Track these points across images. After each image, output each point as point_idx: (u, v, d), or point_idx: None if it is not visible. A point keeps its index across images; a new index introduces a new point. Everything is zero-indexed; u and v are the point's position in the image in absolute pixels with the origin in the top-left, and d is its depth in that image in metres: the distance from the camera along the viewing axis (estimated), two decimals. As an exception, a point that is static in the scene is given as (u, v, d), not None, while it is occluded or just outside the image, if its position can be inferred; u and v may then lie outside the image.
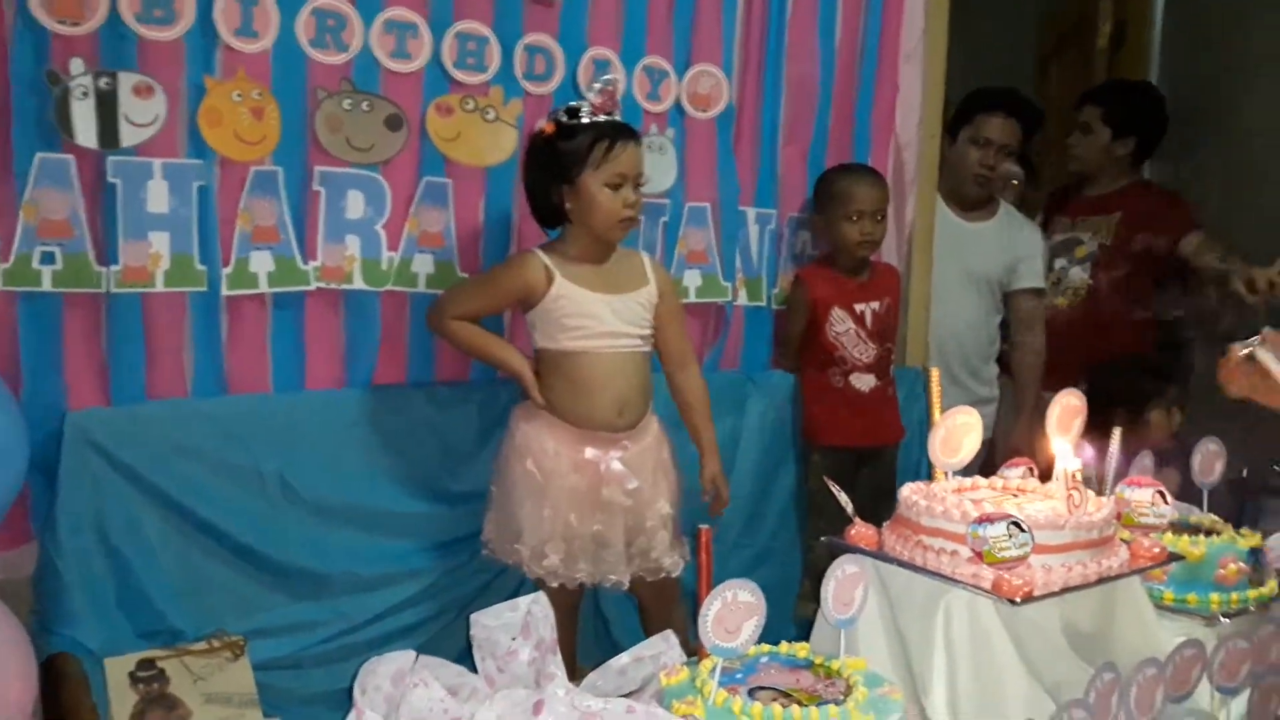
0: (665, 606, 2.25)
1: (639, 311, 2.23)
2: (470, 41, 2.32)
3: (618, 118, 2.19)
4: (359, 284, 2.27)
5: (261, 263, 2.18)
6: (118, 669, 1.95)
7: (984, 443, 3.13)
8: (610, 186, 2.13)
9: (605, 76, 2.27)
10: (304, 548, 2.20)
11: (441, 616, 2.32)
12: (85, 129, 1.97)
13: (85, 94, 1.96)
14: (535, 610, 1.45)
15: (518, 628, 1.43)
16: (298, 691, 2.13)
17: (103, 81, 1.97)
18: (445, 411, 2.38)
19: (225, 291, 2.14)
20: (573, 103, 2.20)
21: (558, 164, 2.14)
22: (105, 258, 2.03)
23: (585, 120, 2.14)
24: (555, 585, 2.15)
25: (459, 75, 2.32)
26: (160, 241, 2.07)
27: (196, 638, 2.05)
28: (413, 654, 1.37)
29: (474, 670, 1.44)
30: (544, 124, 2.19)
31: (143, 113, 2.01)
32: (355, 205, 2.25)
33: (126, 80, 1.99)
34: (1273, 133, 3.24)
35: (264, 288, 2.18)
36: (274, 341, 2.24)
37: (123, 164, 2.02)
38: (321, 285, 2.24)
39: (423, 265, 2.34)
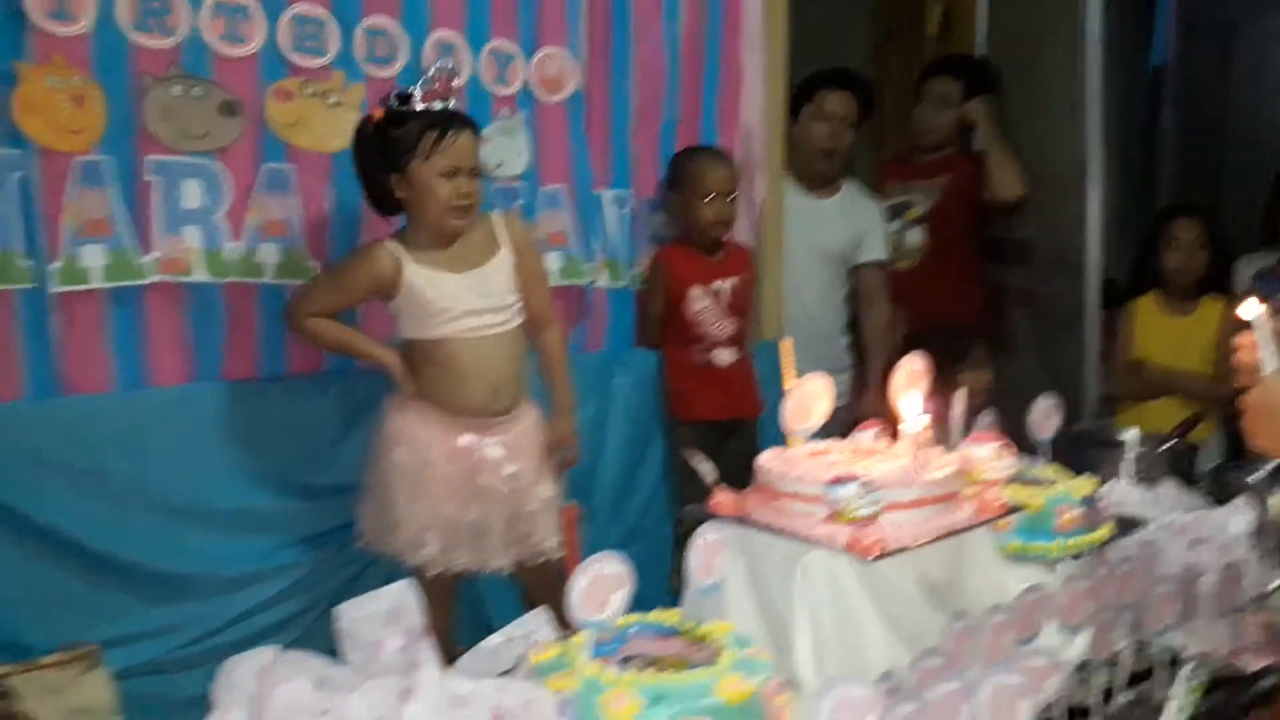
0: (549, 589, 2.24)
1: (499, 281, 2.19)
2: (308, 24, 2.27)
3: (453, 105, 2.13)
4: (201, 276, 2.20)
5: (94, 257, 2.08)
6: (-43, 691, 1.84)
7: (843, 408, 3.28)
8: (443, 176, 2.08)
9: (440, 63, 2.20)
10: (159, 550, 2.14)
11: (309, 612, 2.28)
12: (-113, 119, 1.84)
13: (-116, 81, 1.83)
14: (403, 598, 1.42)
15: (384, 617, 1.41)
16: (163, 697, 2.06)
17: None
18: (301, 404, 2.33)
19: (54, 288, 2.05)
20: (407, 88, 2.12)
21: (388, 151, 2.09)
22: (-82, 256, 1.90)
23: (417, 108, 2.08)
24: (433, 574, 2.13)
25: (297, 59, 2.26)
26: (-20, 237, 1.95)
27: (47, 650, 1.95)
28: (275, 650, 1.34)
29: (342, 664, 1.41)
30: (374, 110, 2.14)
31: (-50, 101, 1.89)
32: (192, 195, 2.17)
33: (-73, 65, 1.87)
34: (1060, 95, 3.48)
35: (98, 283, 2.09)
36: (113, 338, 2.15)
37: (-68, 155, 1.90)
38: (161, 278, 2.15)
39: (268, 254, 2.27)
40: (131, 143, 2.10)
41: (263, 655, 1.33)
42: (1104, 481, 2.14)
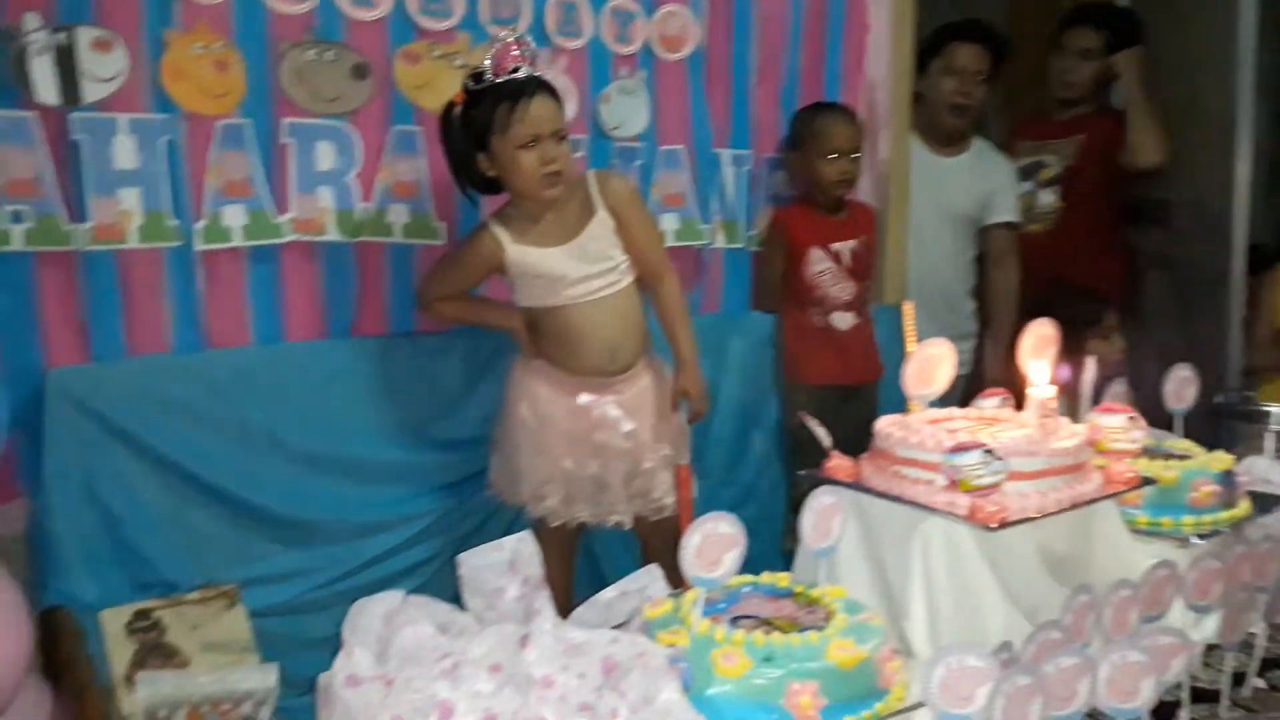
0: (667, 545, 2.26)
1: (601, 246, 2.18)
2: (435, -14, 2.30)
3: (522, 74, 2.08)
4: (333, 235, 2.27)
5: (234, 217, 2.17)
6: (114, 620, 1.97)
7: (965, 377, 3.21)
8: (524, 147, 2.07)
9: (502, 33, 2.13)
10: (293, 497, 2.22)
11: (435, 559, 2.34)
12: (45, 85, 1.94)
13: (43, 49, 1.93)
14: (522, 548, 1.47)
15: (504, 566, 1.45)
16: (295, 637, 2.16)
17: (60, 36, 1.94)
18: (429, 360, 2.39)
19: (199, 246, 2.14)
20: (478, 66, 2.10)
21: (471, 134, 2.10)
22: (76, 215, 2.02)
23: (487, 84, 2.07)
24: (555, 525, 2.19)
25: (424, 22, 2.29)
26: (130, 198, 2.05)
27: (191, 588, 2.07)
28: (401, 594, 1.40)
29: (463, 609, 1.47)
30: (455, 94, 2.14)
31: (104, 67, 1.99)
32: (326, 156, 2.23)
33: (85, 35, 1.96)
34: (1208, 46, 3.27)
35: (238, 241, 2.18)
36: (252, 295, 2.24)
37: (86, 120, 2.00)
38: (296, 238, 2.23)
39: (398, 215, 2.33)
40: (269, 106, 2.18)
41: (390, 599, 1.40)
42: (1243, 457, 2.05)
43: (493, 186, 2.19)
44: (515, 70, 2.07)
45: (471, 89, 2.10)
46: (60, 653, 1.91)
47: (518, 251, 2.15)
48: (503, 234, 2.16)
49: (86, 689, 1.86)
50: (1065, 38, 3.47)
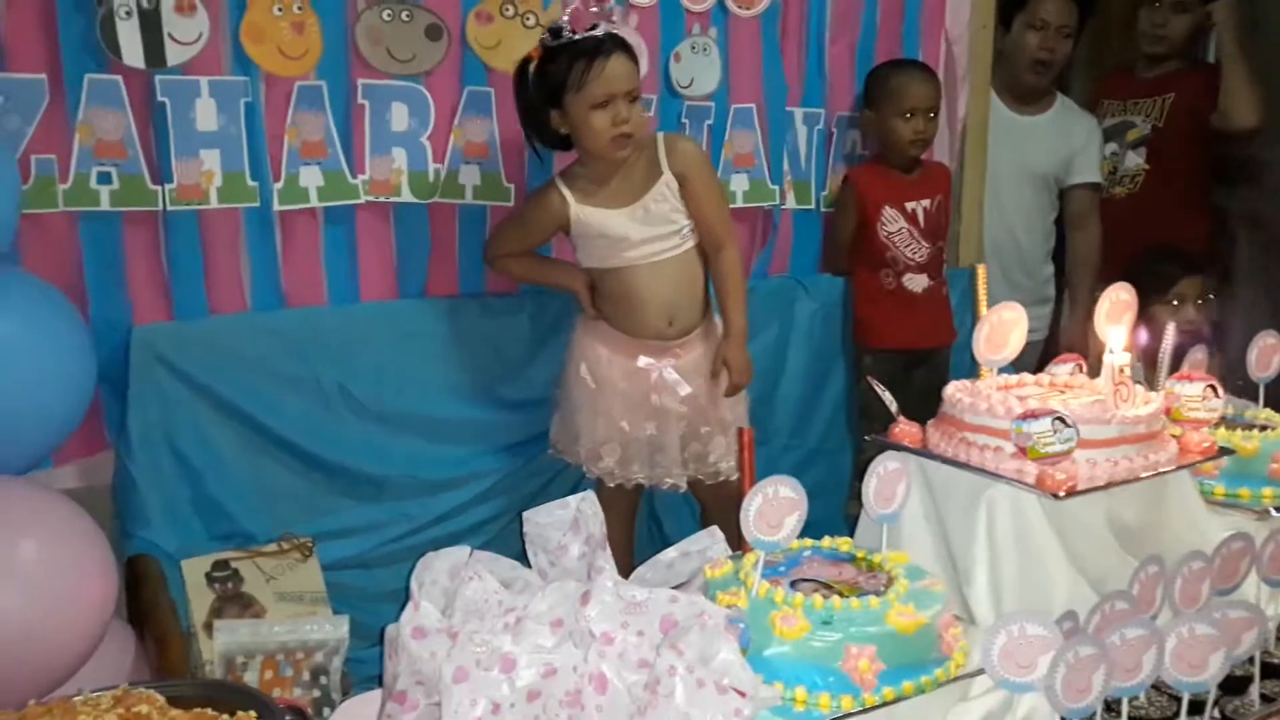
0: (725, 509, 2.27)
1: (663, 209, 2.18)
2: (507, -55, 2.29)
3: (600, 32, 2.09)
4: (407, 196, 2.30)
5: (311, 177, 2.21)
6: (194, 570, 2.06)
7: (1043, 341, 3.14)
8: (597, 106, 2.07)
9: None
10: (366, 453, 2.28)
11: (501, 517, 2.39)
12: (131, 48, 1.99)
13: (129, 13, 1.98)
14: (585, 508, 1.48)
15: (568, 524, 1.48)
16: (365, 590, 2.23)
17: (145, 0, 1.99)
18: (497, 321, 2.42)
19: (277, 207, 2.18)
20: (557, 22, 2.10)
21: (546, 90, 2.10)
22: (159, 176, 2.07)
23: (568, 40, 2.07)
24: (613, 485, 2.21)
25: (498, -18, 2.30)
26: (211, 159, 2.10)
27: (267, 540, 2.14)
28: (467, 549, 1.43)
29: (527, 565, 1.49)
30: (532, 49, 2.15)
31: (186, 30, 2.03)
32: (400, 117, 2.26)
33: (168, -2, 2.01)
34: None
35: (314, 202, 2.22)
36: (327, 255, 2.29)
37: (170, 83, 2.05)
38: (370, 199, 2.27)
39: (469, 176, 2.35)
40: (345, 67, 2.20)
41: (456, 554, 1.43)
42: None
43: (562, 144, 2.20)
44: (593, 28, 2.07)
45: (549, 44, 2.10)
46: (143, 599, 2.00)
47: (582, 211, 2.16)
48: (568, 193, 2.17)
49: (168, 635, 1.94)
50: None
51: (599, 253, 2.21)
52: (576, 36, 2.07)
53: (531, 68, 2.13)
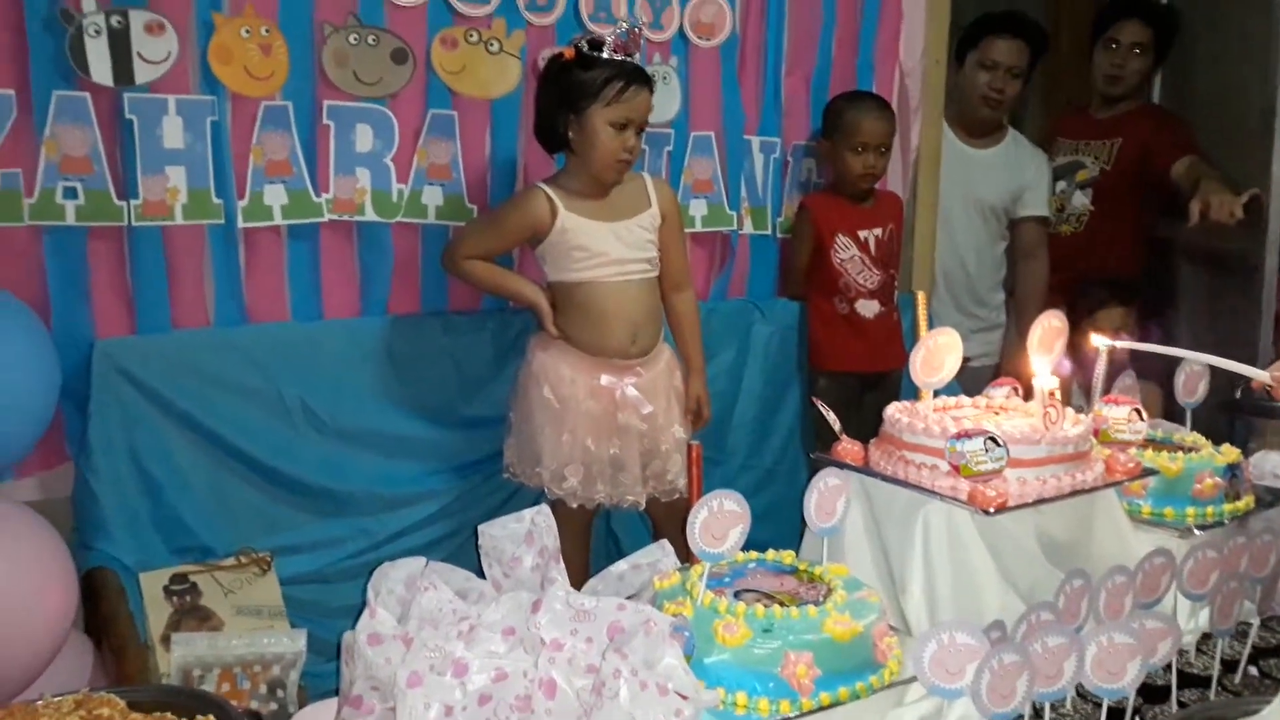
0: (676, 524, 2.32)
1: (643, 235, 2.29)
2: (472, -26, 2.36)
3: (636, 60, 2.22)
4: (370, 215, 2.35)
5: (275, 196, 2.25)
6: (152, 582, 2.08)
7: (994, 366, 3.22)
8: (614, 126, 2.17)
9: (631, 19, 2.34)
10: (326, 469, 2.31)
11: (458, 534, 2.42)
12: (100, 66, 2.03)
13: (98, 31, 2.02)
14: (539, 521, 1.53)
15: (522, 537, 1.52)
16: (323, 604, 2.26)
17: (115, 19, 2.03)
18: (459, 339, 2.47)
19: (242, 224, 2.22)
20: (597, 35, 2.22)
21: (569, 91, 2.18)
22: (125, 192, 2.11)
23: (605, 55, 2.17)
24: (574, 506, 2.26)
25: (462, 8, 2.36)
26: (177, 176, 2.14)
27: (226, 554, 2.17)
28: (423, 560, 1.47)
29: (483, 578, 1.54)
30: (565, 49, 2.23)
31: (155, 50, 2.08)
32: (364, 138, 2.31)
33: (138, 18, 2.05)
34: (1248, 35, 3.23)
35: (279, 220, 2.26)
36: (290, 272, 2.33)
37: (138, 101, 2.09)
38: (334, 217, 2.31)
39: (432, 197, 2.40)
40: (311, 89, 2.26)
41: (413, 564, 1.47)
42: (1256, 450, 2.07)
43: (556, 145, 2.27)
44: (631, 55, 2.19)
45: (585, 52, 2.18)
46: (102, 611, 2.01)
47: (568, 217, 2.23)
48: (557, 197, 2.23)
49: (126, 646, 1.95)
50: (1115, 31, 3.38)
51: (572, 264, 2.26)
52: (619, 58, 2.17)
53: (558, 64, 2.21)
